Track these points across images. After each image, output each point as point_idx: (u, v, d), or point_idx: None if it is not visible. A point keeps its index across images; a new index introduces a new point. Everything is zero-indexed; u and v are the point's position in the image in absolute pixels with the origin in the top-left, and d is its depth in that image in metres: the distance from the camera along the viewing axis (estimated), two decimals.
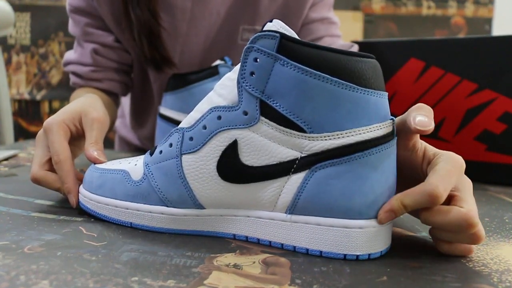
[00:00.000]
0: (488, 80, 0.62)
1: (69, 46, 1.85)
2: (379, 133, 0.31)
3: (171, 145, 0.35)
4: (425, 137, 0.67)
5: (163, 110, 0.65)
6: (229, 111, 0.33)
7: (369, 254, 0.31)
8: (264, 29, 0.32)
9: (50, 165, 0.44)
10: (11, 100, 1.79)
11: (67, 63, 0.76)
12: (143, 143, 0.91)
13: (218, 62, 0.62)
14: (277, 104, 0.31)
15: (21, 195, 0.45)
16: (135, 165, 0.38)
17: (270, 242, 0.34)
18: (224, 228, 0.35)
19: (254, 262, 0.30)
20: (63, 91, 1.88)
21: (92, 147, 0.44)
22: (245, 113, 0.32)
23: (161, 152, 0.36)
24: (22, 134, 1.85)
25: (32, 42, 1.87)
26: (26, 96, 1.87)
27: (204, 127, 0.34)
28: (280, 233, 0.33)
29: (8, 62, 1.85)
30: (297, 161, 0.31)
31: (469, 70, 0.64)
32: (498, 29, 1.90)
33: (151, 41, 0.68)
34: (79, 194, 0.40)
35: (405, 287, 0.27)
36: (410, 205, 0.31)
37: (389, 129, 0.32)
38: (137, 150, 0.93)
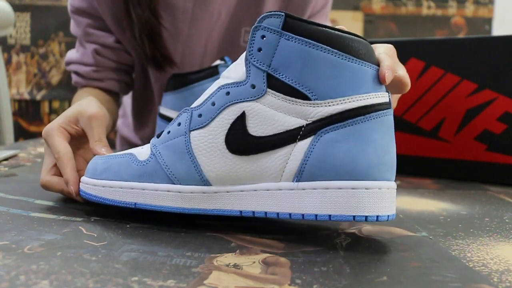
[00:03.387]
0: (488, 80, 0.62)
1: (69, 46, 1.85)
2: (378, 101, 0.33)
3: (179, 124, 0.37)
4: (425, 137, 0.67)
5: (163, 110, 0.65)
6: (237, 86, 0.35)
7: (377, 216, 0.33)
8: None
9: (57, 169, 0.44)
10: (11, 100, 1.78)
11: (69, 63, 0.77)
12: (144, 143, 0.91)
13: (218, 62, 0.62)
14: (283, 75, 0.33)
15: (21, 195, 0.45)
16: (142, 148, 0.39)
17: (277, 213, 0.34)
18: (231, 205, 0.36)
19: (254, 262, 0.30)
20: (63, 91, 1.88)
21: (98, 145, 0.44)
22: (253, 86, 0.34)
23: (169, 132, 0.37)
24: (22, 134, 1.85)
25: (32, 42, 1.87)
26: (26, 96, 1.87)
27: (213, 104, 0.35)
28: (288, 203, 0.34)
29: (8, 62, 1.85)
30: (303, 128, 0.33)
31: (469, 70, 0.64)
32: (498, 29, 1.90)
33: (152, 40, 0.68)
34: (82, 183, 0.40)
35: (405, 287, 0.27)
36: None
37: (386, 99, 0.34)
38: None
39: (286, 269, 0.29)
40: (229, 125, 0.34)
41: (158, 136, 0.38)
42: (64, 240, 0.33)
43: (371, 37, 1.89)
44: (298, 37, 0.33)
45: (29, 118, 1.88)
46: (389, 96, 0.35)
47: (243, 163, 0.34)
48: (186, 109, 0.37)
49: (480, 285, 0.28)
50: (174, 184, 0.36)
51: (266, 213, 0.35)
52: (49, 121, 1.87)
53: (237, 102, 0.34)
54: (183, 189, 0.36)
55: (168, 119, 0.63)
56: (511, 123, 0.61)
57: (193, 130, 0.36)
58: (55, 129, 0.45)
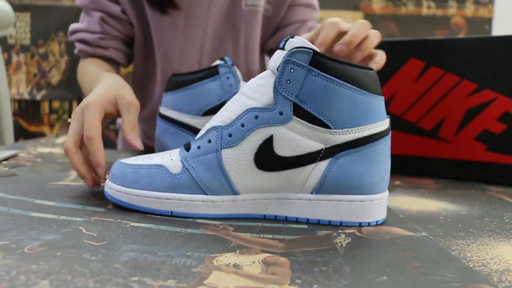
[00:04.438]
0: (488, 80, 0.62)
1: (69, 46, 1.85)
2: (382, 128, 0.40)
3: (209, 141, 0.40)
4: (425, 137, 0.67)
5: (163, 110, 0.64)
6: (266, 111, 0.39)
7: (377, 221, 0.40)
8: (289, 45, 0.39)
9: (82, 142, 0.48)
10: (11, 100, 1.79)
11: (74, 32, 0.82)
12: (147, 139, 0.92)
13: (218, 62, 0.62)
14: (308, 105, 0.38)
15: (21, 195, 0.45)
16: (171, 159, 0.42)
17: (297, 218, 0.41)
18: (256, 210, 0.41)
19: (254, 262, 0.30)
20: (63, 91, 1.88)
21: (132, 133, 0.49)
22: (281, 113, 0.38)
23: (199, 147, 0.41)
24: (22, 134, 1.85)
25: (32, 42, 1.87)
26: (26, 96, 1.87)
27: (242, 125, 0.39)
28: (306, 210, 0.40)
29: (8, 62, 1.85)
30: (322, 151, 0.39)
31: (469, 70, 0.64)
32: (498, 29, 1.90)
33: None
34: (110, 189, 0.43)
35: (405, 287, 0.27)
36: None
37: (387, 125, 0.40)
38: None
39: (286, 269, 0.29)
40: (258, 146, 0.39)
41: (187, 149, 0.41)
42: (64, 240, 0.33)
43: None
44: (323, 73, 0.38)
45: (29, 118, 1.88)
46: (389, 121, 0.41)
47: (270, 177, 0.40)
48: (214, 127, 0.41)
49: (480, 285, 0.28)
50: (207, 194, 0.40)
51: (286, 217, 0.41)
52: (49, 121, 1.88)
53: (266, 126, 0.39)
54: (216, 199, 0.40)
55: (168, 119, 0.63)
56: (511, 123, 0.61)
57: (224, 148, 0.40)
58: (96, 105, 0.48)
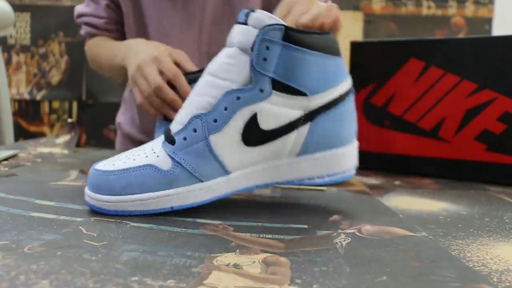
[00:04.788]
0: (488, 80, 0.62)
1: (69, 46, 1.85)
2: (348, 87, 0.44)
3: (195, 130, 0.41)
4: (425, 137, 0.67)
5: None
6: (247, 91, 0.40)
7: (356, 169, 0.47)
8: (253, 20, 0.41)
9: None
10: (11, 100, 1.78)
11: (80, 15, 0.90)
12: (141, 134, 0.93)
13: None
14: (285, 78, 0.40)
15: (21, 195, 0.45)
16: (157, 156, 0.41)
17: (287, 181, 0.44)
18: (248, 183, 0.43)
19: (254, 262, 0.30)
20: (63, 91, 1.88)
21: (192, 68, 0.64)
22: (261, 91, 0.40)
23: (185, 138, 0.41)
24: (22, 134, 1.85)
25: (32, 42, 1.87)
26: (26, 96, 1.87)
27: (225, 109, 0.40)
28: (294, 172, 0.43)
29: (8, 62, 1.85)
30: (302, 118, 0.42)
31: (469, 70, 0.64)
32: (498, 29, 1.90)
33: None
34: (98, 201, 0.40)
35: (405, 287, 0.27)
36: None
37: (350, 83, 0.44)
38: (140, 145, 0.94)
39: (286, 269, 0.29)
40: (244, 125, 0.40)
41: (172, 143, 0.41)
42: (64, 240, 0.33)
43: (371, 37, 1.89)
44: (296, 46, 0.40)
45: (29, 118, 1.88)
46: (350, 78, 0.45)
47: (258, 151, 0.41)
48: (198, 116, 0.41)
49: (480, 285, 0.28)
50: (203, 181, 0.41)
51: (278, 182, 0.43)
52: (49, 121, 1.88)
53: (248, 105, 0.40)
54: (211, 184, 0.41)
55: (168, 119, 0.63)
56: (511, 123, 0.61)
57: (212, 134, 0.40)
58: (163, 54, 0.62)
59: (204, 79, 0.42)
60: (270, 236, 0.36)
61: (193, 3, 0.84)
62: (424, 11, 1.91)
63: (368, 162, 0.71)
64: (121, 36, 0.90)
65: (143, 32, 0.87)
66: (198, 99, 0.41)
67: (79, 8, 0.90)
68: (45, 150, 0.80)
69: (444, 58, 0.65)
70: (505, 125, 0.62)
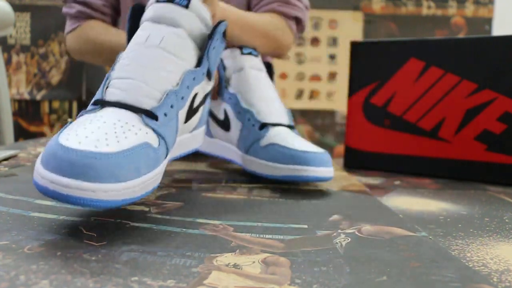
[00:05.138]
0: (488, 80, 0.62)
1: None
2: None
3: (172, 106, 0.42)
4: (425, 137, 0.67)
5: None
6: (199, 73, 0.46)
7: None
8: (195, 5, 0.47)
9: None
10: (11, 100, 1.78)
11: None
12: None
13: None
14: (212, 64, 0.49)
15: (21, 195, 0.45)
16: (146, 133, 0.38)
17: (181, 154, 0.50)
18: (186, 147, 0.51)
19: (254, 262, 0.30)
20: (63, 91, 1.88)
21: None
22: (204, 74, 0.47)
23: (166, 114, 0.42)
24: (22, 134, 1.85)
25: (32, 42, 1.87)
26: (26, 96, 1.87)
27: (188, 87, 0.44)
28: (187, 145, 0.51)
29: (8, 62, 1.85)
30: (203, 99, 0.51)
31: (469, 70, 0.64)
32: (498, 29, 1.90)
33: None
34: (92, 192, 0.31)
35: (405, 287, 0.27)
36: None
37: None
38: None
39: (286, 269, 0.29)
40: (188, 104, 0.45)
41: (155, 118, 0.40)
42: (64, 240, 0.33)
43: (371, 37, 1.89)
44: (224, 38, 0.50)
45: (29, 118, 1.88)
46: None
47: (186, 127, 0.48)
48: (173, 92, 0.42)
49: (480, 285, 0.28)
50: (169, 150, 0.43)
51: (180, 155, 0.50)
52: (49, 121, 1.88)
53: (196, 85, 0.46)
54: (173, 150, 0.46)
55: None
56: (511, 123, 0.61)
57: (180, 110, 0.44)
58: None
59: (162, 54, 0.43)
60: (270, 236, 0.36)
61: None
62: (424, 11, 1.91)
63: (368, 162, 0.72)
64: (113, 23, 0.91)
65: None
66: (161, 73, 0.42)
67: None
68: None
69: (444, 58, 0.65)
70: (505, 125, 0.62)
